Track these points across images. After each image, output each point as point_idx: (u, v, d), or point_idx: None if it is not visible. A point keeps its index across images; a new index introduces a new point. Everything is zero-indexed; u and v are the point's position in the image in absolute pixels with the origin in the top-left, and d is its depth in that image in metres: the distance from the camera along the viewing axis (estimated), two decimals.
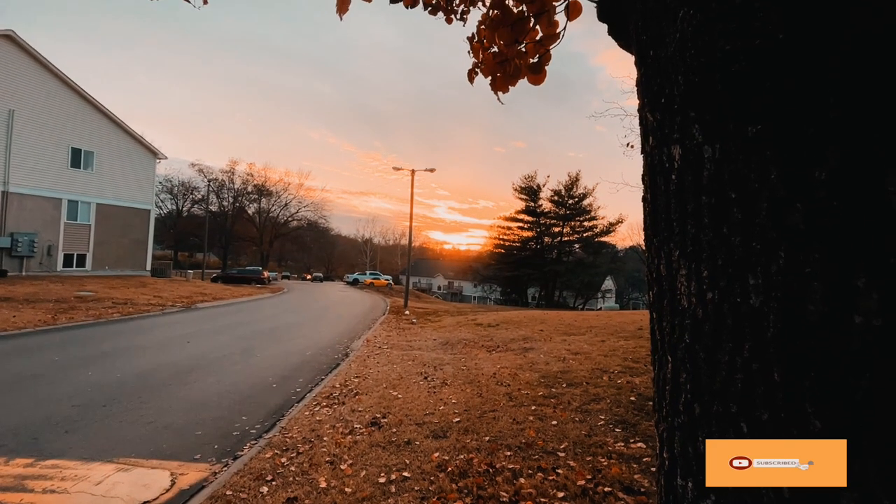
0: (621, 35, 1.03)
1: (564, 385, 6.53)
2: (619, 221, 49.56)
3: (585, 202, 51.05)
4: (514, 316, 17.24)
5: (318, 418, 5.42)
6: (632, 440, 4.43)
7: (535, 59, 1.57)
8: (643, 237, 0.86)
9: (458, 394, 6.30)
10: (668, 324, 0.75)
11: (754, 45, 0.55)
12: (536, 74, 1.57)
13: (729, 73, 0.58)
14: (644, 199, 0.82)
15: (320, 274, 65.27)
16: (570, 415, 5.23)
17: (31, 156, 21.96)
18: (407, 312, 20.73)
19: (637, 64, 0.82)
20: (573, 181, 51.13)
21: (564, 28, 1.53)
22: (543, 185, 52.07)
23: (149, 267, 28.42)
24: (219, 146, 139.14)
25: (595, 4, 1.07)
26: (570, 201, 51.14)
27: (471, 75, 1.75)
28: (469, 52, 3.04)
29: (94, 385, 6.52)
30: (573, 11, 1.51)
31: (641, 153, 0.82)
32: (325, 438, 4.74)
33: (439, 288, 72.43)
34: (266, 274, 38.78)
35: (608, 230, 50.54)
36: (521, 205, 53.11)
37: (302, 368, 8.37)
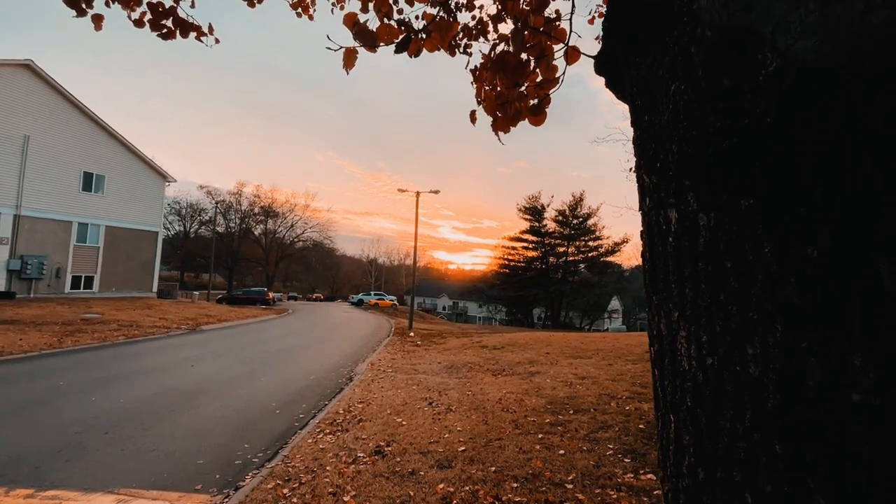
0: (618, 88, 1.06)
1: (572, 412, 6.41)
2: (625, 241, 49.39)
3: (590, 222, 51.06)
4: (520, 338, 17.07)
5: (321, 446, 5.35)
6: (641, 471, 4.32)
7: (536, 102, 1.61)
8: (644, 288, 0.86)
9: (463, 420, 6.20)
10: (670, 384, 0.75)
11: (743, 124, 0.57)
12: (537, 116, 1.61)
13: (720, 149, 0.60)
14: (643, 256, 0.83)
15: (321, 295, 65.74)
16: (577, 443, 5.13)
17: (44, 180, 22.44)
18: (412, 334, 20.59)
19: (633, 125, 0.84)
20: (577, 201, 51.28)
21: (563, 73, 1.57)
22: (548, 206, 52.22)
23: (155, 288, 28.58)
24: (227, 168, 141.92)
25: (593, 58, 1.10)
26: (575, 221, 51.15)
27: (472, 116, 1.79)
28: (472, 82, 3.11)
29: (97, 411, 6.49)
30: (571, 57, 1.55)
31: (639, 210, 0.83)
32: (327, 468, 4.67)
33: (444, 308, 72.04)
34: (271, 295, 38.80)
35: (613, 250, 50.34)
36: (525, 225, 53.19)
37: (305, 393, 8.29)
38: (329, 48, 1.37)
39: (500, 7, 3.24)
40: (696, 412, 0.68)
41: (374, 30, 1.40)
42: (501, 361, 11.42)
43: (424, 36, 1.50)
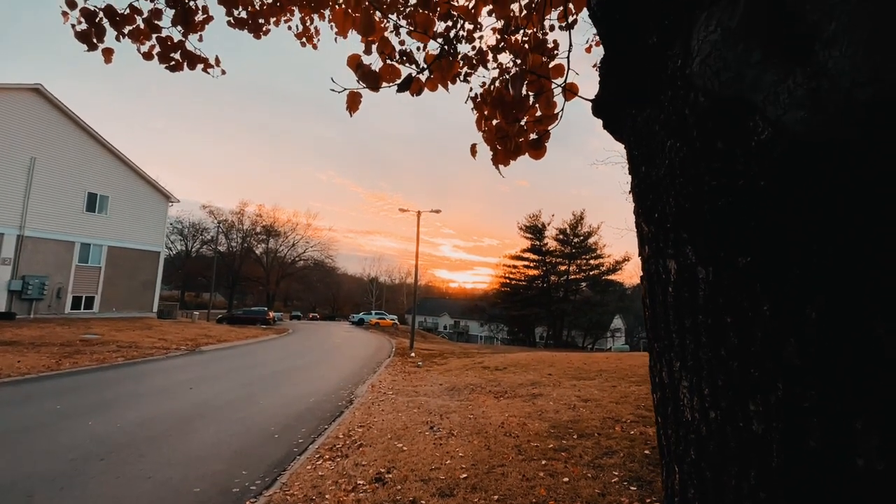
0: (615, 130, 1.08)
1: (575, 436, 6.30)
2: (626, 259, 49.36)
3: (591, 240, 51.20)
4: (522, 358, 16.89)
5: (320, 473, 5.24)
6: (648, 500, 4.22)
7: (535, 137, 1.64)
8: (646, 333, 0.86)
9: (465, 446, 6.09)
10: (674, 433, 0.75)
11: (738, 185, 0.58)
12: (537, 150, 1.64)
13: (716, 207, 0.61)
14: (643, 302, 0.83)
15: (317, 315, 64.66)
16: (581, 470, 5.02)
17: (49, 201, 22.65)
18: (413, 354, 20.41)
19: (630, 172, 0.86)
20: (578, 220, 51.52)
21: (562, 109, 1.61)
22: (548, 224, 52.48)
23: (156, 308, 28.48)
24: (230, 188, 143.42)
25: (590, 101, 1.13)
26: (576, 239, 51.28)
27: (473, 149, 1.82)
28: (472, 109, 3.16)
29: (93, 436, 6.39)
30: (570, 93, 1.59)
31: (639, 256, 0.84)
32: (327, 496, 4.57)
33: (445, 327, 71.52)
34: (271, 314, 38.60)
35: (615, 268, 50.29)
36: (526, 243, 53.37)
37: (305, 417, 8.17)
38: (333, 90, 1.40)
39: (499, 38, 3.32)
40: (701, 466, 0.67)
41: (378, 70, 1.44)
42: (503, 383, 11.28)
43: (426, 75, 1.54)
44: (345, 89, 1.42)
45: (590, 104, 1.17)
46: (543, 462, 5.33)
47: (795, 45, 0.52)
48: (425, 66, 2.44)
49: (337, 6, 3.56)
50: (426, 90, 1.55)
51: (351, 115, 1.47)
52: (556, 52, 3.44)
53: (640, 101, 0.78)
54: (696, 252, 0.66)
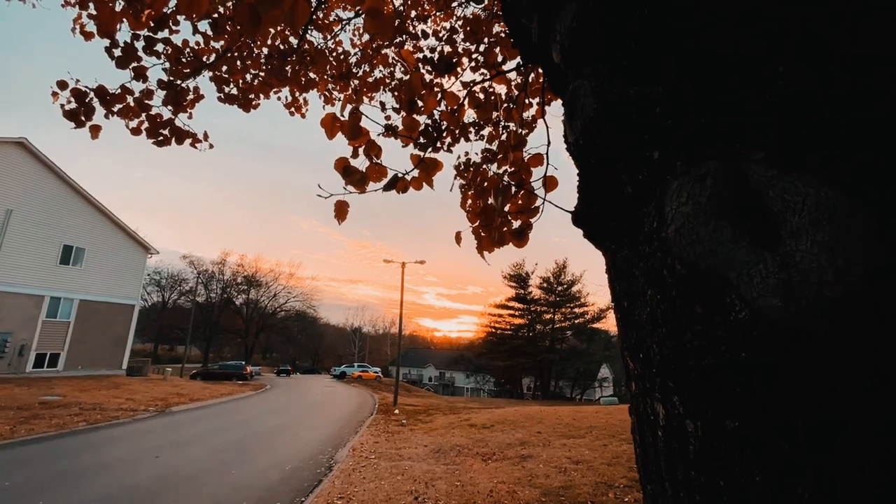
0: (596, 241, 1.11)
1: None
2: (610, 308, 49.57)
3: (574, 289, 51.62)
4: (510, 414, 16.39)
5: None
6: None
7: (518, 226, 1.69)
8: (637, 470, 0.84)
9: None
10: None
11: (720, 349, 0.59)
12: (520, 240, 1.68)
13: (701, 366, 0.61)
14: (633, 434, 0.82)
15: (289, 368, 54.29)
16: None
17: (22, 253, 21.97)
18: (396, 412, 19.61)
19: (612, 301, 0.87)
20: (561, 268, 52.19)
21: (543, 202, 1.67)
22: (532, 273, 52.97)
23: (125, 365, 27.04)
24: (212, 238, 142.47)
25: (569, 212, 1.17)
26: (559, 288, 51.66)
27: (458, 237, 1.86)
28: (455, 177, 3.24)
29: None
30: (550, 185, 1.66)
31: (625, 387, 0.84)
32: None
33: (430, 379, 69.43)
34: (249, 369, 37.01)
35: (600, 316, 50.43)
36: (511, 292, 53.50)
37: (280, 489, 7.63)
38: (320, 195, 1.44)
39: (477, 115, 3.49)
40: None
41: (364, 170, 1.48)
42: (491, 443, 10.84)
43: (412, 175, 1.60)
44: (331, 195, 1.45)
45: (568, 162, 1.20)
46: None
47: (763, 228, 0.55)
48: (412, 137, 2.54)
49: (327, 112, 3.72)
50: (411, 188, 1.60)
51: (339, 224, 1.49)
52: (534, 124, 3.62)
53: (619, 241, 0.81)
54: (684, 404, 0.65)
